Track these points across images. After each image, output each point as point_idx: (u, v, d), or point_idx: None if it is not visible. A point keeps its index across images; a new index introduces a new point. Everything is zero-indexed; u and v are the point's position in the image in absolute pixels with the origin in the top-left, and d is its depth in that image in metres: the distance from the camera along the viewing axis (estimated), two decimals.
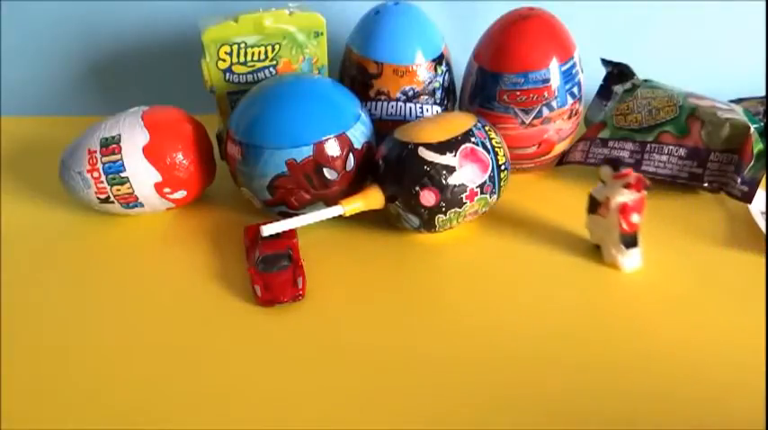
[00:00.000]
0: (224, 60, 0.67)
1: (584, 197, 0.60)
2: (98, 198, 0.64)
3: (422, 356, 0.51)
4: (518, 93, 0.66)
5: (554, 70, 0.66)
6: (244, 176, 0.62)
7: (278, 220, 0.59)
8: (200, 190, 0.68)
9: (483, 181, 0.60)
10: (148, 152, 0.63)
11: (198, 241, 0.64)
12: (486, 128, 0.62)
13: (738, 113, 0.65)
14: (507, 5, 0.69)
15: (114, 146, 0.63)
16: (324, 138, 0.60)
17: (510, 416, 0.46)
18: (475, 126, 0.61)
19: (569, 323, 0.53)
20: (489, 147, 0.61)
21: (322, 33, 0.69)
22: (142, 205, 0.65)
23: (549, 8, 0.68)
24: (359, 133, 0.62)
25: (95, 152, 0.63)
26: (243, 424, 0.46)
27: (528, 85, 0.66)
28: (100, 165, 0.63)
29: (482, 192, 0.60)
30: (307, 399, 0.47)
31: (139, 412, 0.47)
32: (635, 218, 0.57)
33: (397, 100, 0.69)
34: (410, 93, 0.69)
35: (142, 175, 0.63)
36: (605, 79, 0.78)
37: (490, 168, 0.60)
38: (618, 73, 0.76)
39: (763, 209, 0.63)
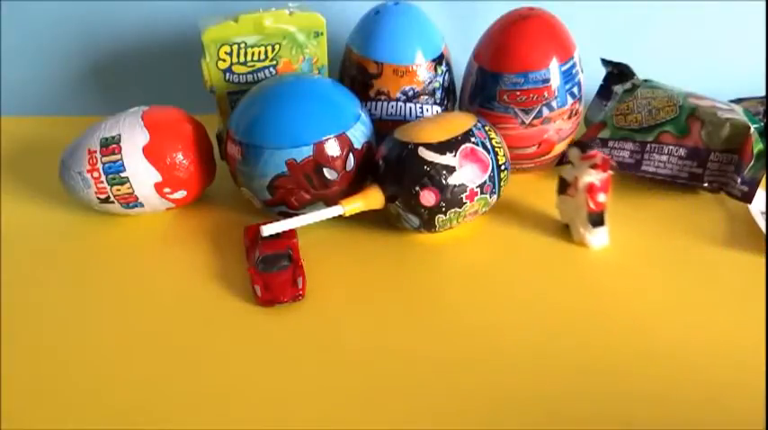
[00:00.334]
0: (224, 60, 0.67)
1: None
2: (98, 198, 0.64)
3: (421, 356, 0.51)
4: (518, 93, 0.66)
5: (554, 70, 0.66)
6: (244, 176, 0.62)
7: (278, 220, 0.59)
8: (200, 190, 0.68)
9: (483, 181, 0.60)
10: (148, 152, 0.63)
11: (198, 241, 0.64)
12: (486, 128, 0.62)
13: (738, 113, 0.65)
14: (507, 5, 0.69)
15: (114, 146, 0.63)
16: (324, 138, 0.60)
17: (510, 416, 0.46)
18: (475, 126, 0.61)
19: (569, 323, 0.53)
20: (489, 147, 0.61)
21: (322, 33, 0.69)
22: (142, 205, 0.65)
23: (549, 8, 0.68)
24: (359, 133, 0.62)
25: (95, 152, 0.63)
26: (243, 424, 0.46)
27: (528, 85, 0.66)
28: (100, 165, 0.63)
29: (482, 192, 0.60)
30: (307, 399, 0.47)
31: (139, 412, 0.47)
32: (601, 197, 0.59)
33: (397, 100, 0.69)
34: (410, 93, 0.69)
35: (142, 175, 0.63)
36: (605, 79, 0.78)
37: (490, 168, 0.60)
38: (618, 73, 0.76)
39: (763, 209, 0.63)
